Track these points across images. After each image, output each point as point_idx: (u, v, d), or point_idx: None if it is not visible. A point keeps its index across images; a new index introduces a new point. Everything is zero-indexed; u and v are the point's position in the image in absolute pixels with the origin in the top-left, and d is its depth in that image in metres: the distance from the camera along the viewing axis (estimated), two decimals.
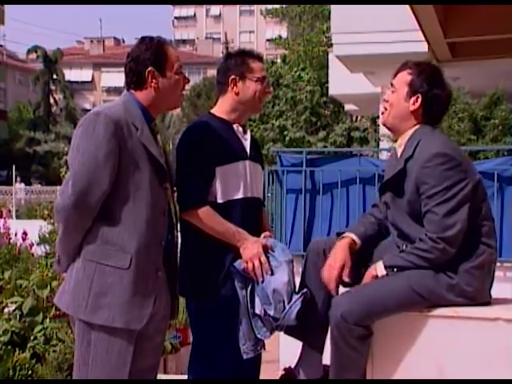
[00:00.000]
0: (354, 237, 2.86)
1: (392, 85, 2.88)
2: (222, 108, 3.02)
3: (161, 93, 2.67)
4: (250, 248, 2.79)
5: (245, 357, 2.80)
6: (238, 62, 2.99)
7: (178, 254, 2.89)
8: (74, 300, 2.52)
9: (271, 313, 2.75)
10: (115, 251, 2.51)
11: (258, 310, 2.78)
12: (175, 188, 2.88)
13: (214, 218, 2.83)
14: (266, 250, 2.82)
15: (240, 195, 2.90)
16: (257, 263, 2.77)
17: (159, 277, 2.62)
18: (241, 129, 3.02)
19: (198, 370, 2.93)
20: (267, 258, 2.79)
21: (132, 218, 2.53)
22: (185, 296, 2.94)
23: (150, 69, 2.63)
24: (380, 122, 2.98)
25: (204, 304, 2.86)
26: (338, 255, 2.79)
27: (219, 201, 2.87)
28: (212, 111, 3.05)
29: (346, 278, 2.77)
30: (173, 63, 2.69)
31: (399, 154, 2.85)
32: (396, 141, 2.94)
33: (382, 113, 2.92)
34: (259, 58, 3.06)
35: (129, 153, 2.53)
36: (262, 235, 2.91)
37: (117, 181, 2.51)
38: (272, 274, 2.77)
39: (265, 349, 2.92)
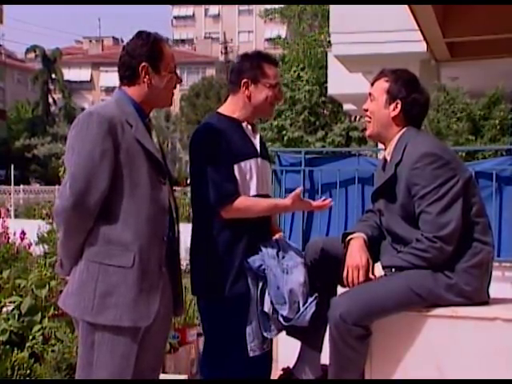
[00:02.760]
0: (365, 237, 2.86)
1: (370, 94, 2.90)
2: (230, 107, 3.03)
3: (153, 89, 2.65)
4: (298, 207, 3.04)
5: (251, 354, 2.81)
6: (253, 65, 2.98)
7: (188, 251, 2.92)
8: (80, 302, 2.50)
9: (284, 313, 2.76)
10: (118, 250, 2.50)
11: (266, 309, 2.79)
12: (190, 189, 2.94)
13: (251, 204, 2.87)
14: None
15: (253, 192, 2.92)
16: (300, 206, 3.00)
17: (163, 273, 2.61)
18: (250, 127, 3.02)
19: (211, 368, 2.94)
20: (283, 257, 2.81)
21: (132, 216, 2.52)
22: (197, 294, 2.94)
23: (144, 64, 2.62)
24: (366, 135, 2.99)
25: (216, 301, 2.87)
26: (362, 253, 2.78)
27: None
28: (220, 110, 3.05)
29: (372, 276, 2.77)
30: (168, 62, 2.67)
31: (388, 161, 2.86)
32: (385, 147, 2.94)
33: (368, 122, 2.92)
34: (275, 63, 3.06)
35: (125, 150, 2.52)
36: (275, 236, 2.93)
37: (115, 179, 2.50)
38: (287, 273, 2.78)
39: (271, 348, 2.92)
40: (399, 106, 2.83)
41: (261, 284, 2.81)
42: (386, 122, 2.86)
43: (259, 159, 2.98)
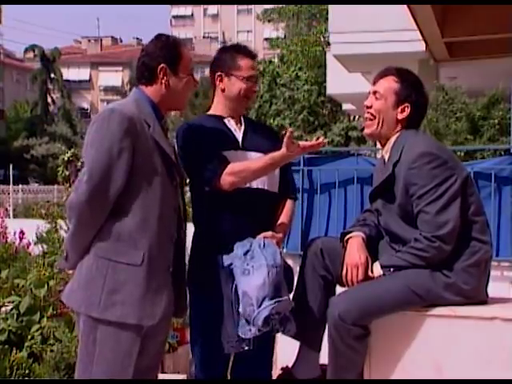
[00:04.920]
0: (364, 236, 2.86)
1: (376, 92, 2.87)
2: (214, 105, 3.07)
3: (170, 91, 2.68)
4: (296, 152, 2.82)
5: (226, 351, 2.80)
6: (227, 57, 3.00)
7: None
8: (86, 298, 2.51)
9: (243, 315, 2.71)
10: (128, 248, 2.51)
11: (241, 309, 2.77)
12: (188, 183, 2.95)
13: (245, 165, 2.86)
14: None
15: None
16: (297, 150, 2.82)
17: (170, 273, 2.63)
18: (232, 121, 3.02)
19: (196, 365, 2.99)
20: (252, 257, 2.74)
21: (144, 215, 2.54)
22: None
23: (162, 65, 2.65)
24: (365, 132, 2.96)
25: (195, 297, 2.89)
26: (360, 252, 2.78)
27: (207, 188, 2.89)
28: (209, 112, 3.10)
29: (371, 274, 2.77)
30: (186, 64, 2.71)
31: (386, 160, 2.86)
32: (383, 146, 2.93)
33: (367, 120, 2.89)
34: (251, 55, 3.04)
35: (142, 149, 2.54)
36: (262, 235, 2.86)
37: (130, 177, 2.52)
38: (248, 274, 2.71)
39: (253, 347, 2.85)
40: (408, 109, 2.82)
41: (234, 284, 2.76)
42: (392, 123, 2.84)
43: (239, 152, 2.96)
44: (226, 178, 2.83)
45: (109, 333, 2.50)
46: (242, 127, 3.04)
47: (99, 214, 2.51)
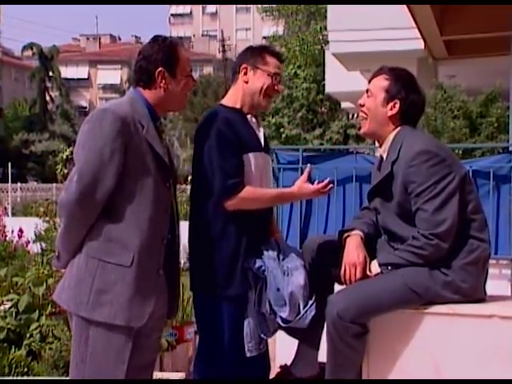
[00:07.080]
0: (362, 235, 2.86)
1: (368, 90, 2.90)
2: (232, 98, 2.99)
3: (169, 94, 2.67)
4: (305, 193, 2.94)
5: (248, 355, 2.80)
6: (254, 53, 2.98)
7: (187, 251, 2.91)
8: (76, 297, 2.51)
9: (284, 315, 2.76)
10: (118, 248, 2.51)
11: (264, 310, 2.79)
12: (191, 184, 2.94)
13: (257, 194, 2.85)
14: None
15: (256, 186, 2.88)
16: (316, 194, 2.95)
17: (160, 275, 2.62)
18: (254, 120, 3.00)
19: (204, 367, 2.93)
20: (283, 259, 2.81)
21: (136, 216, 2.53)
22: (195, 291, 2.94)
23: (160, 69, 2.63)
24: (361, 131, 2.97)
25: (215, 299, 2.85)
26: (359, 251, 2.79)
27: None
28: (223, 102, 3.01)
29: (369, 273, 2.77)
30: (184, 66, 2.69)
31: (384, 159, 2.86)
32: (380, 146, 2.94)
33: (362, 119, 2.92)
34: (278, 55, 3.04)
35: (134, 150, 2.53)
36: (274, 237, 2.94)
37: (122, 178, 2.52)
38: (288, 275, 2.78)
39: (267, 348, 2.92)
40: (397, 105, 2.83)
41: (259, 285, 2.80)
42: (382, 120, 2.85)
43: (263, 153, 2.97)
44: (238, 200, 2.80)
45: (99, 333, 2.50)
46: (261, 128, 3.04)
47: (89, 214, 2.51)
